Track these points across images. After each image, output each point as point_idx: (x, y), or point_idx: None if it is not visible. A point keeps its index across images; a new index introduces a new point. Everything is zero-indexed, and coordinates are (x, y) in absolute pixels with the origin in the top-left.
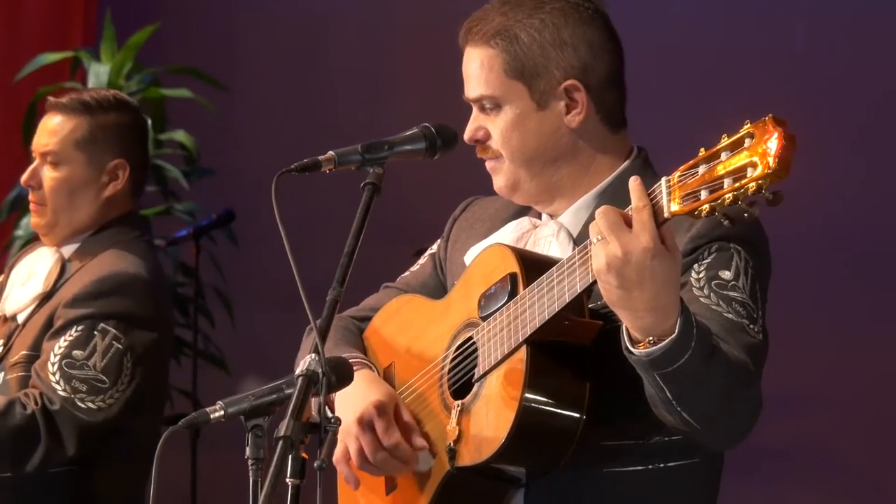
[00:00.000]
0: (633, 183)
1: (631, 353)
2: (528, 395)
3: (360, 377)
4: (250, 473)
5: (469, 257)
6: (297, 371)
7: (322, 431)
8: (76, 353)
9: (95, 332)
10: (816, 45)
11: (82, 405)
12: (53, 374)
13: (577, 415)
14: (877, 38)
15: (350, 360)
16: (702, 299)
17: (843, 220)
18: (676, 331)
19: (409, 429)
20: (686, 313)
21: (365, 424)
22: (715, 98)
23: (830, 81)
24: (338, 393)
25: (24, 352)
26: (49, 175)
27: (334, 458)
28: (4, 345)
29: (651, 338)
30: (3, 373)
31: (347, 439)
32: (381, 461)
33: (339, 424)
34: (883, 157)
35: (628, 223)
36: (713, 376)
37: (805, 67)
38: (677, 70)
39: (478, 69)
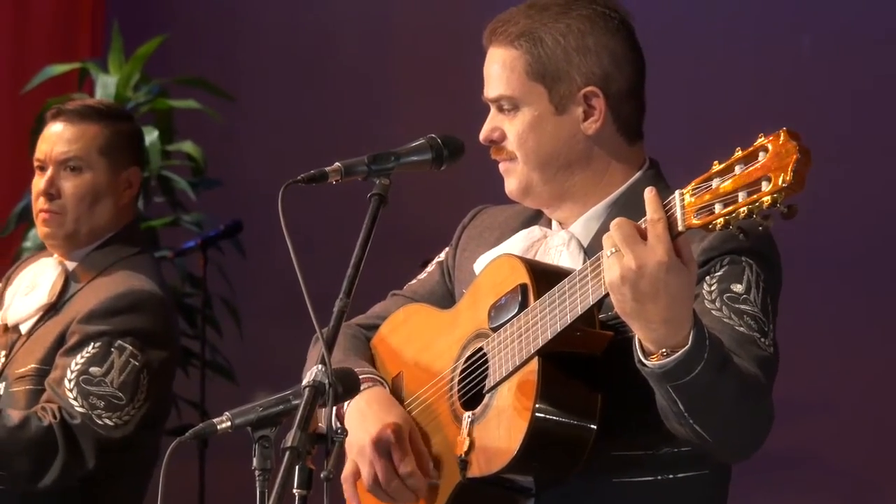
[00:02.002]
0: (649, 194)
1: (644, 365)
2: (540, 406)
3: (374, 396)
4: (257, 484)
5: (479, 266)
6: (304, 382)
7: (329, 442)
8: (93, 369)
9: (113, 349)
10: (822, 54)
11: (100, 421)
12: (70, 390)
13: (589, 425)
14: (882, 46)
15: (362, 376)
16: (713, 312)
17: (846, 226)
18: (689, 343)
19: (422, 457)
20: (699, 325)
21: (381, 449)
22: (720, 107)
23: (836, 89)
24: (351, 409)
25: (33, 365)
26: (72, 182)
27: (342, 477)
28: (7, 355)
29: (664, 350)
30: (4, 383)
31: (360, 461)
32: (394, 489)
33: (346, 435)
34: (887, 164)
35: (643, 236)
36: (725, 389)
37: (811, 75)
38: (682, 79)
39: (499, 69)
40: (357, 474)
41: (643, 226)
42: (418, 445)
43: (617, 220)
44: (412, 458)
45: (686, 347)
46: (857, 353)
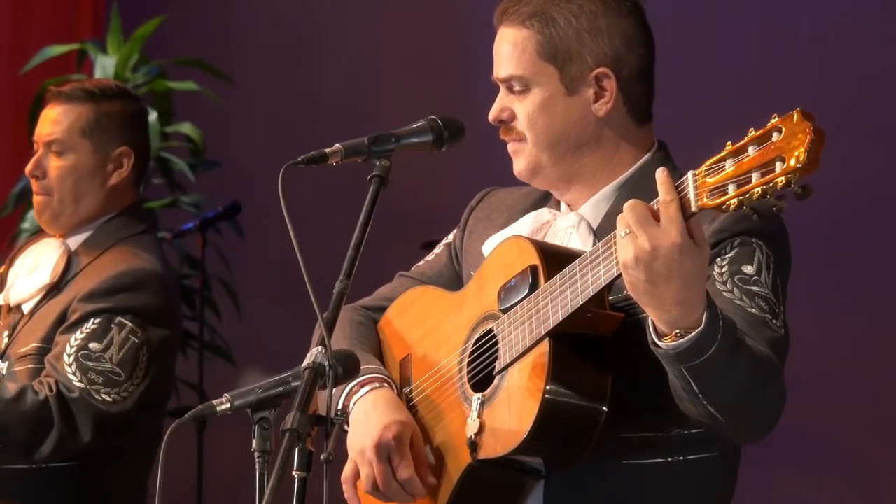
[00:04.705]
0: (661, 175)
1: (657, 346)
2: (551, 388)
3: (380, 397)
4: (256, 466)
5: (487, 247)
6: (304, 363)
7: (329, 424)
8: (93, 345)
9: (112, 326)
10: (820, 37)
11: (98, 397)
12: (69, 365)
13: (600, 407)
14: (880, 29)
15: (369, 375)
16: (725, 294)
17: (846, 211)
18: (703, 323)
19: (422, 461)
20: (712, 306)
21: (381, 453)
22: (718, 90)
23: (835, 73)
24: (356, 409)
25: (35, 344)
26: (55, 164)
27: (342, 478)
28: (9, 335)
29: (677, 331)
30: (7, 363)
31: (361, 463)
32: (392, 493)
33: (346, 417)
34: (886, 148)
35: (656, 217)
36: (739, 369)
37: (809, 59)
38: (680, 62)
39: (510, 49)
40: (357, 475)
41: (656, 207)
42: (419, 449)
43: (630, 201)
44: (412, 462)
45: (699, 329)
46: (850, 334)
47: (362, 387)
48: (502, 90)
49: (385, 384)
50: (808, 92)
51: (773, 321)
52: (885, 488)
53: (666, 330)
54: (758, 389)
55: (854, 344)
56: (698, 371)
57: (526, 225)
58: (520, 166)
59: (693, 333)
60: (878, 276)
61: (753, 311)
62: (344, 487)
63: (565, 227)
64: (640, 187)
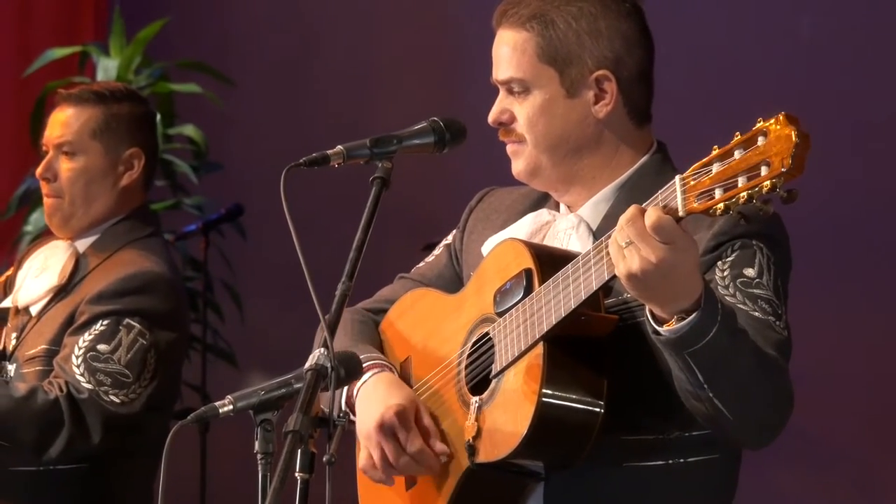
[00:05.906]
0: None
1: (659, 334)
2: (546, 390)
3: (380, 380)
4: (259, 468)
5: (486, 248)
6: (306, 365)
7: (331, 426)
8: (101, 347)
9: (121, 328)
10: (821, 39)
11: (106, 398)
12: (77, 366)
13: (595, 409)
14: (881, 31)
15: (370, 362)
16: (728, 298)
17: (846, 209)
18: (702, 304)
19: (429, 433)
20: (709, 289)
21: (386, 431)
22: (718, 92)
23: (835, 75)
24: (359, 396)
25: (43, 346)
26: (66, 166)
27: (361, 466)
28: (17, 337)
29: (676, 315)
30: (15, 365)
31: (370, 446)
32: (404, 465)
33: (348, 419)
34: (885, 148)
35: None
36: (741, 356)
37: (810, 61)
38: (679, 62)
39: (510, 52)
40: (372, 460)
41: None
42: (423, 423)
43: (631, 214)
44: (418, 435)
45: (698, 311)
46: (849, 330)
47: (364, 373)
48: (502, 92)
49: (385, 369)
50: (808, 92)
51: (777, 323)
52: (885, 488)
53: (665, 316)
54: (763, 383)
55: (854, 343)
56: (701, 356)
57: (525, 226)
58: (518, 168)
59: (693, 315)
60: (879, 274)
61: (757, 314)
62: (368, 476)
63: (565, 228)
64: (639, 188)
